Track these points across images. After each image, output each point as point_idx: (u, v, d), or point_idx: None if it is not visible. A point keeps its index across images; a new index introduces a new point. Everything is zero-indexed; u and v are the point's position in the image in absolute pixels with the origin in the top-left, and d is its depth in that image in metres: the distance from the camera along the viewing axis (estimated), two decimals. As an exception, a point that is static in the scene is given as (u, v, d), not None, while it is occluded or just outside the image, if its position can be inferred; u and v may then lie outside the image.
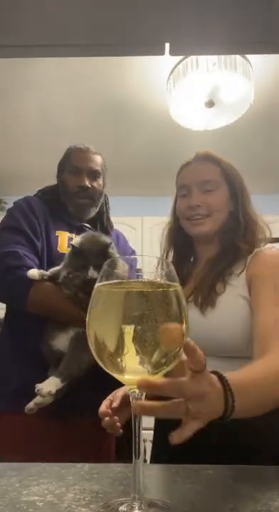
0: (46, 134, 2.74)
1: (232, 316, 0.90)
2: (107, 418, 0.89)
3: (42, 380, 1.10)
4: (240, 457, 0.73)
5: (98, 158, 1.44)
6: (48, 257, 1.30)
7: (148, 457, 1.50)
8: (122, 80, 2.33)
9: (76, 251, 1.17)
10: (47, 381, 1.08)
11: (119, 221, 3.18)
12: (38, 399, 1.05)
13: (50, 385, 1.06)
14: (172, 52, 0.73)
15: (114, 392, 0.97)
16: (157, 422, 1.01)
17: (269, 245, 1.02)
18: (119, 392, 0.95)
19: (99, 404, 1.20)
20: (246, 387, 0.60)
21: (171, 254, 1.12)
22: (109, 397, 0.96)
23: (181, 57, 1.98)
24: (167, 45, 0.73)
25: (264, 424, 0.79)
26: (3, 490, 0.57)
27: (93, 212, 1.43)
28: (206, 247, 1.07)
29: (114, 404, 0.91)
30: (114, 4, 0.70)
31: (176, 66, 2.05)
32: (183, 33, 0.73)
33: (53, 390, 1.05)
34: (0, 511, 0.50)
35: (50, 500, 0.53)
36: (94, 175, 1.41)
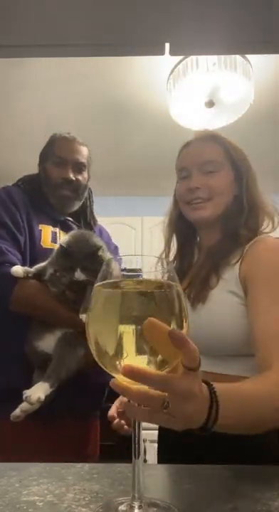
0: (45, 135, 2.73)
1: (221, 313, 0.86)
2: (115, 421, 0.97)
3: (26, 383, 1.05)
4: (240, 457, 0.73)
5: (84, 150, 1.36)
6: (31, 252, 1.22)
7: (148, 457, 1.51)
8: (122, 80, 2.33)
9: (64, 251, 1.10)
10: (35, 387, 1.01)
11: (119, 221, 3.20)
12: (24, 406, 0.98)
13: (39, 391, 1.00)
14: (172, 52, 0.73)
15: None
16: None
17: None
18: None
19: (84, 405, 1.21)
20: (233, 401, 0.56)
21: (173, 245, 1.06)
22: (118, 400, 1.02)
23: (181, 57, 1.98)
24: (167, 45, 0.73)
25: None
26: (3, 490, 0.57)
27: (76, 205, 1.36)
28: (207, 234, 1.00)
29: (120, 409, 0.98)
30: (114, 4, 0.70)
31: (176, 66, 2.05)
32: (183, 33, 0.73)
33: (42, 397, 0.98)
34: (0, 511, 0.50)
35: (50, 500, 0.53)
36: (79, 167, 1.33)
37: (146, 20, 0.71)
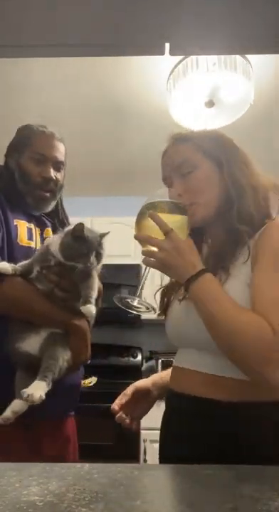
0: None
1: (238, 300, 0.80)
2: (118, 414, 1.05)
3: (7, 385, 1.02)
4: (240, 457, 0.73)
5: (62, 147, 1.32)
6: (8, 249, 1.15)
7: (148, 457, 1.52)
8: (121, 80, 2.32)
9: (80, 237, 1.07)
10: (33, 386, 0.99)
11: (119, 221, 3.20)
12: (16, 406, 0.97)
13: (39, 389, 0.98)
14: (172, 52, 0.73)
15: (128, 388, 1.11)
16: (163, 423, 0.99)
17: None
18: (128, 390, 1.09)
19: (60, 405, 1.21)
20: (213, 289, 0.79)
21: None
22: (122, 393, 1.09)
23: (181, 57, 1.98)
24: (167, 45, 0.72)
25: (265, 422, 0.80)
26: (3, 490, 0.57)
27: (52, 205, 1.32)
28: (211, 232, 0.98)
29: (121, 401, 1.06)
30: (113, 4, 0.70)
31: (176, 66, 2.05)
32: (183, 33, 0.73)
33: (43, 395, 0.97)
34: (0, 511, 0.50)
35: (50, 500, 0.53)
36: (58, 166, 1.29)
37: (146, 20, 0.71)
